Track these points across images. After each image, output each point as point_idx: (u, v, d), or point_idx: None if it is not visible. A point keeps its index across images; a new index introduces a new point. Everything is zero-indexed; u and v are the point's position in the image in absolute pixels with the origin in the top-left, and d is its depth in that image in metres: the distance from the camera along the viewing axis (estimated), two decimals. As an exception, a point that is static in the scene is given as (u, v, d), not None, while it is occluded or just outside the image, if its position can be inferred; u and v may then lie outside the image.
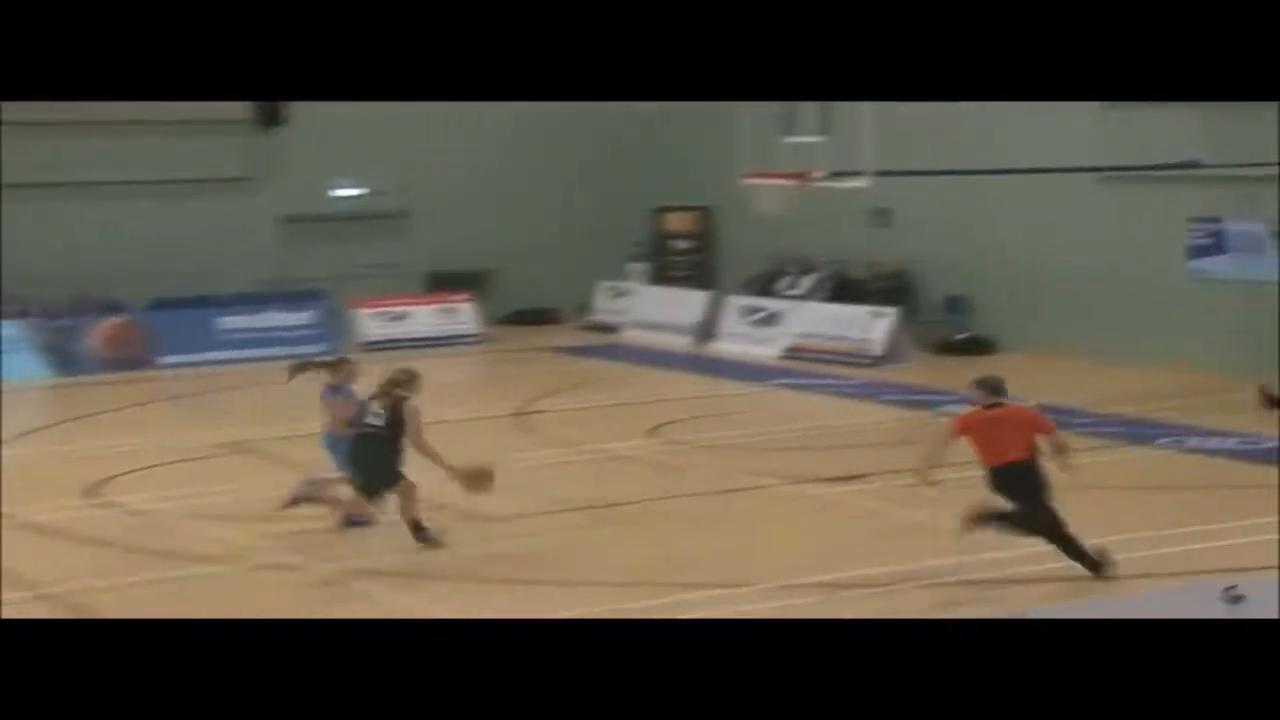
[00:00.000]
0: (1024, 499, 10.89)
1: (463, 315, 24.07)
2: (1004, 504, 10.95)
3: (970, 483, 13.87)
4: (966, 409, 11.32)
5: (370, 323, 23.52)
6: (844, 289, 22.78)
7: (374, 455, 11.69)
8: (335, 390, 12.69)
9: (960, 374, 19.81)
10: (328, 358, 13.22)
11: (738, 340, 22.68)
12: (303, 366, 13.08)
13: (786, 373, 20.61)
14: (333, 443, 12.50)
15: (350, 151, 24.56)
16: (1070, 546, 10.96)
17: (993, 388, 11.25)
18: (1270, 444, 15.19)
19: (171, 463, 15.29)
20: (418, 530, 11.90)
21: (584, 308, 25.57)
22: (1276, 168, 17.97)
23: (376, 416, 11.75)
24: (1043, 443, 10.94)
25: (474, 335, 23.94)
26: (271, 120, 24.01)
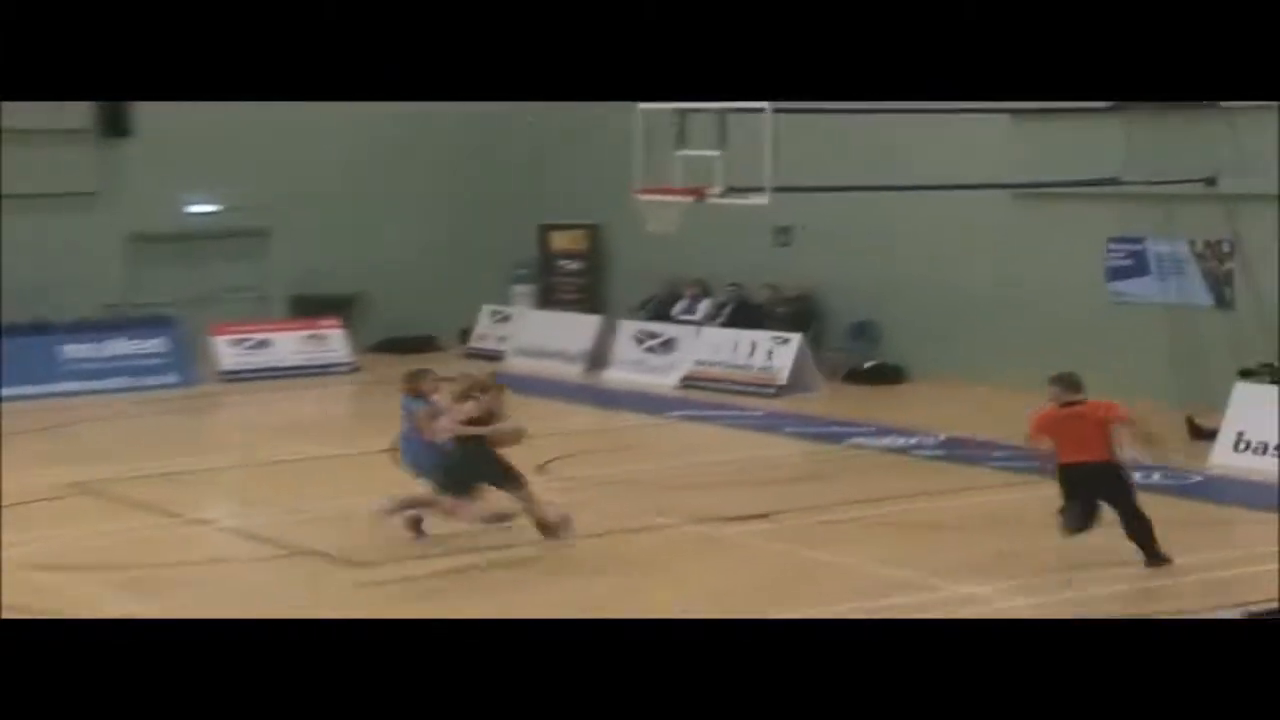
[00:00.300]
0: (1094, 500, 12.00)
1: (331, 343, 23.85)
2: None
3: (883, 519, 14.02)
4: (1044, 407, 12.34)
5: (228, 351, 23.20)
6: (744, 313, 22.83)
7: (450, 459, 12.99)
8: (416, 399, 13.40)
9: (869, 404, 20.18)
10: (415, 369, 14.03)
11: (631, 368, 22.66)
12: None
13: (684, 403, 20.60)
14: (413, 454, 13.30)
15: (204, 164, 24.22)
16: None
17: (1070, 384, 12.39)
18: (1198, 477, 15.44)
19: (9, 505, 14.89)
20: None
21: (464, 334, 25.43)
22: (1199, 185, 18.36)
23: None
24: (1124, 434, 11.92)
25: (344, 364, 23.69)
26: (117, 129, 23.60)
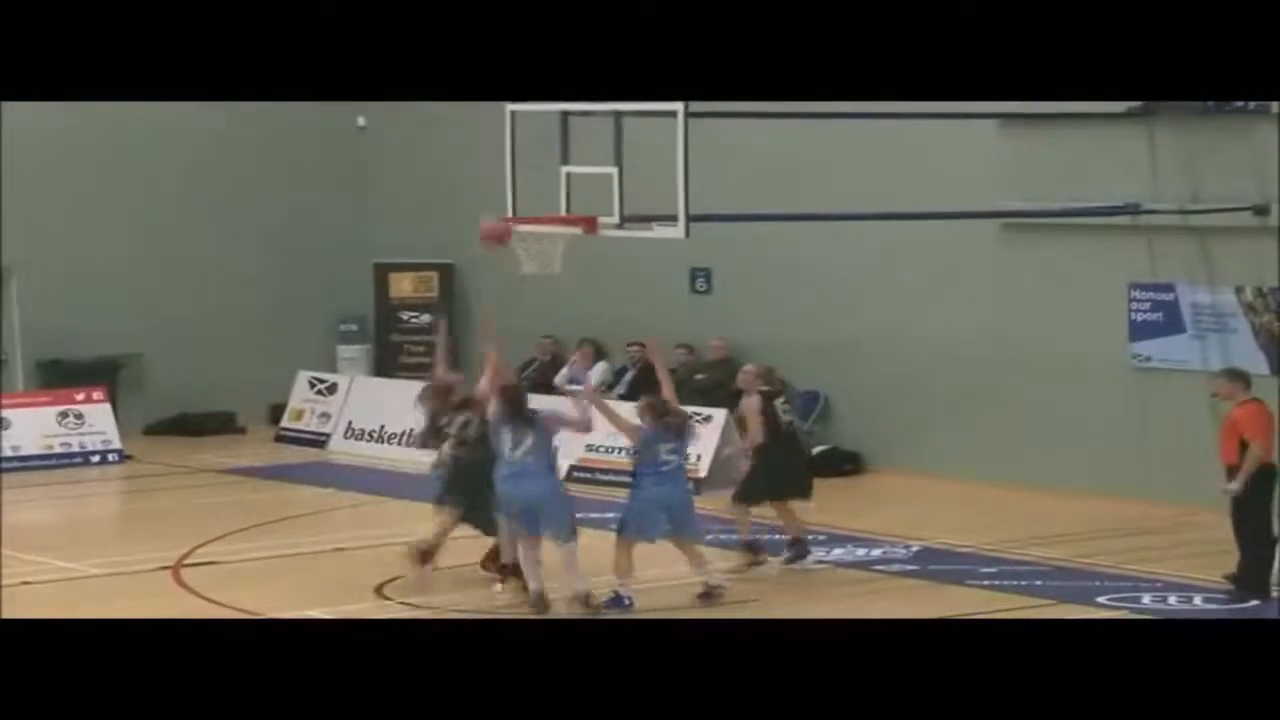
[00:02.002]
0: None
1: (93, 423, 23.59)
2: None
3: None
4: (1246, 403, 15.79)
5: (-48, 434, 22.89)
6: (649, 383, 22.72)
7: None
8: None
9: (817, 503, 20.07)
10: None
11: (498, 456, 22.49)
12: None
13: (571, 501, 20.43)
14: None
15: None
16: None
17: (1247, 378, 15.94)
18: (1253, 602, 15.51)
19: None
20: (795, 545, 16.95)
21: (275, 411, 25.18)
22: (1246, 214, 18.50)
23: (786, 412, 17.05)
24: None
25: (110, 452, 23.39)
26: None
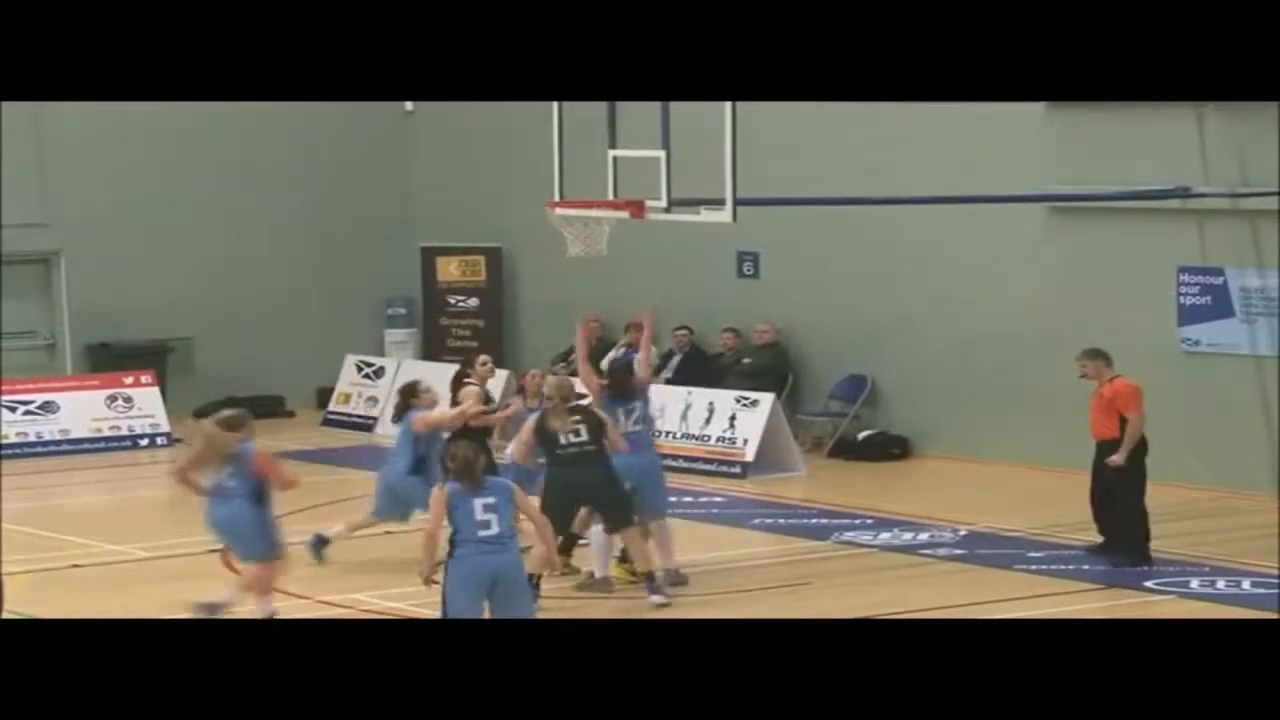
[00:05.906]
0: None
1: (141, 406, 23.72)
2: None
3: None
4: (1115, 379, 16.54)
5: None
6: (698, 367, 22.83)
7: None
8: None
9: (864, 487, 20.14)
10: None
11: (545, 440, 22.55)
12: None
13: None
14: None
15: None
16: None
17: (1109, 357, 16.66)
18: (1140, 567, 15.94)
19: None
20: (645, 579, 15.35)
21: (323, 394, 25.27)
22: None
23: (568, 433, 15.47)
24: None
25: (159, 435, 23.51)
26: None
